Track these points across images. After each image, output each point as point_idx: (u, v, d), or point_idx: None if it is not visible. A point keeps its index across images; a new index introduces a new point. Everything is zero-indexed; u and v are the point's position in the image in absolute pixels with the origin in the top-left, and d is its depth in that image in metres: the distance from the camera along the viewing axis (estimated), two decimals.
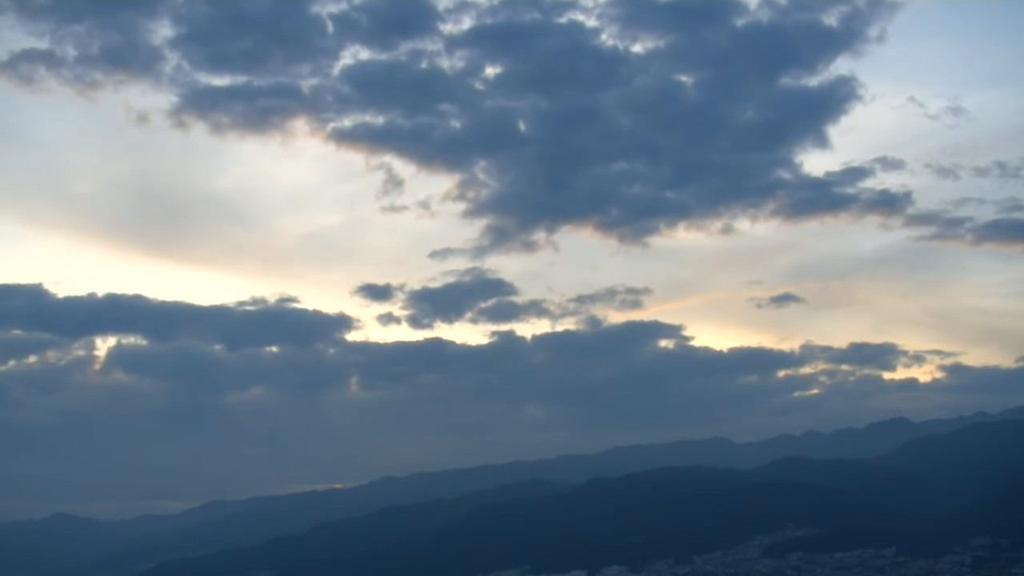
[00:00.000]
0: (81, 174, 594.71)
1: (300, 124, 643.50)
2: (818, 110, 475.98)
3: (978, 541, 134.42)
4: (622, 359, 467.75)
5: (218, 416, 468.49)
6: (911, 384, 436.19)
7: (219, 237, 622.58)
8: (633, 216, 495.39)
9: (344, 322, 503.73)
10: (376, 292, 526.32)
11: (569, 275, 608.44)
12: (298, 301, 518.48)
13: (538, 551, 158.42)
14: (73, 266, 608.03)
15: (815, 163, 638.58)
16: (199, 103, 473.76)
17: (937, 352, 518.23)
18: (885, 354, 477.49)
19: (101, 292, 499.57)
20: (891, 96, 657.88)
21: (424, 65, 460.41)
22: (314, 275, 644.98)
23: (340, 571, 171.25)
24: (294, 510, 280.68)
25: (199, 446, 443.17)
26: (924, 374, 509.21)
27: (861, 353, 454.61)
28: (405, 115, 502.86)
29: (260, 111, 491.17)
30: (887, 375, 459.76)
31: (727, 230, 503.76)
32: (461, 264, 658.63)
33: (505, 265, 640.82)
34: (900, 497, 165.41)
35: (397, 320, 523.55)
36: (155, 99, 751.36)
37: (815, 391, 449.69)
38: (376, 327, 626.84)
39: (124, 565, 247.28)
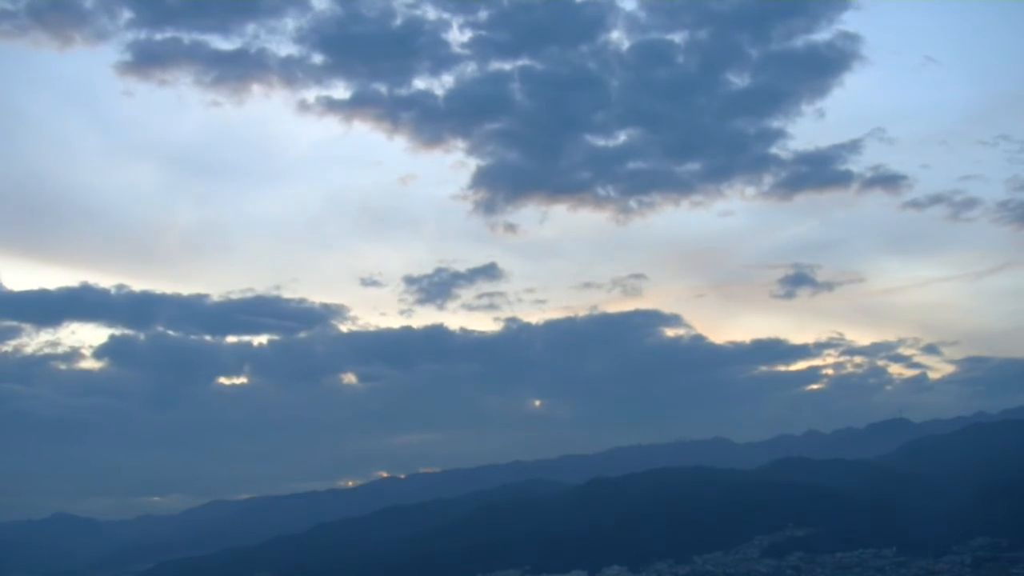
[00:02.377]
0: None
1: (262, 89, 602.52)
2: (818, 73, 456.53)
3: (978, 541, 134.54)
4: (619, 351, 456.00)
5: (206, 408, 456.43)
6: (921, 380, 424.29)
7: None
8: (625, 191, 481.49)
9: (338, 311, 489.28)
10: (368, 280, 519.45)
11: (561, 256, 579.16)
12: (286, 289, 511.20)
13: (538, 551, 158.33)
14: None
15: (815, 133, 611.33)
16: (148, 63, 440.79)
17: (952, 343, 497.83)
18: (894, 346, 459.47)
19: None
20: (903, 56, 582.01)
21: (398, 21, 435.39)
22: (299, 260, 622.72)
23: (340, 571, 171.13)
24: (294, 510, 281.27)
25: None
26: (935, 369, 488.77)
27: (868, 345, 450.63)
28: (379, 80, 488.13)
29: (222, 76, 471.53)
30: (896, 369, 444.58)
31: (724, 211, 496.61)
32: (450, 247, 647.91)
33: (495, 246, 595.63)
34: (900, 497, 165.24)
35: (390, 309, 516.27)
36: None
37: (819, 385, 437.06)
38: (370, 316, 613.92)
39: (124, 565, 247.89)
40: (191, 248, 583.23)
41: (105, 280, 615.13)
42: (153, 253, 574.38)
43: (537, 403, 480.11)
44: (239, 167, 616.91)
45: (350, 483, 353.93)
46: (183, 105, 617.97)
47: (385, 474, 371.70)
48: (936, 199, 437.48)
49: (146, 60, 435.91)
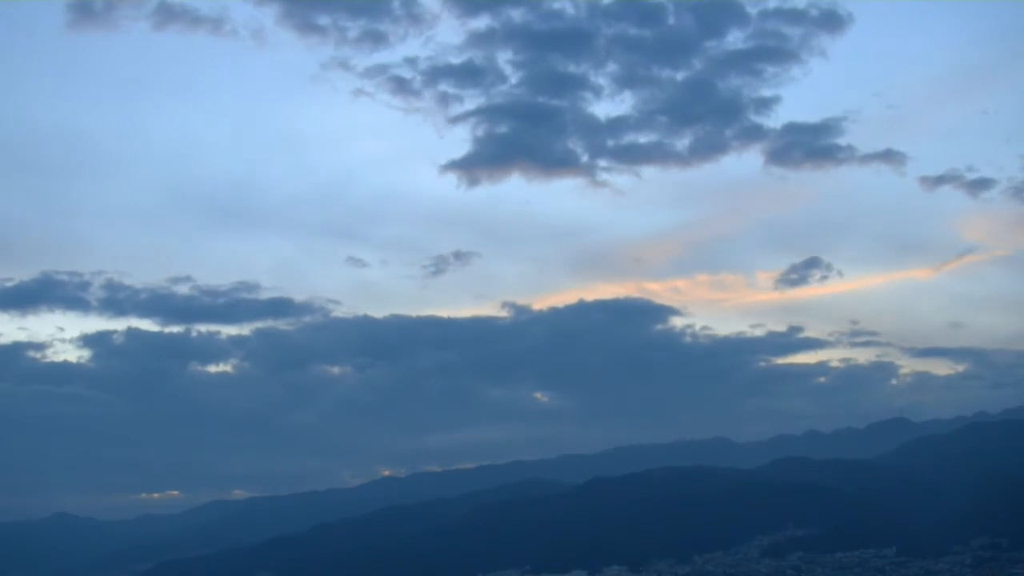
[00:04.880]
0: None
1: None
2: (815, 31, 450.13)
3: (978, 541, 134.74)
4: (615, 345, 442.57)
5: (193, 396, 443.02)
6: (926, 377, 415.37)
7: None
8: (611, 164, 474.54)
9: (327, 301, 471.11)
10: (356, 262, 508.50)
11: (550, 238, 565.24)
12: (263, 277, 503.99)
13: (538, 551, 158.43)
14: None
15: (812, 102, 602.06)
16: None
17: (963, 334, 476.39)
18: (901, 340, 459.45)
19: None
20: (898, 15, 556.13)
21: None
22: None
23: (340, 571, 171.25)
24: (294, 510, 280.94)
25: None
26: (942, 364, 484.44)
27: (873, 338, 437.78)
28: (352, 42, 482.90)
29: None
30: (903, 363, 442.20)
31: (721, 188, 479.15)
32: (435, 226, 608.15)
33: (480, 226, 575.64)
34: (900, 497, 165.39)
35: (380, 295, 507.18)
36: None
37: (823, 379, 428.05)
38: (359, 304, 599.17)
39: (124, 565, 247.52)
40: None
41: None
42: None
43: (539, 395, 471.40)
44: None
45: (350, 483, 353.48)
46: None
47: (385, 474, 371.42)
48: (946, 176, 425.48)
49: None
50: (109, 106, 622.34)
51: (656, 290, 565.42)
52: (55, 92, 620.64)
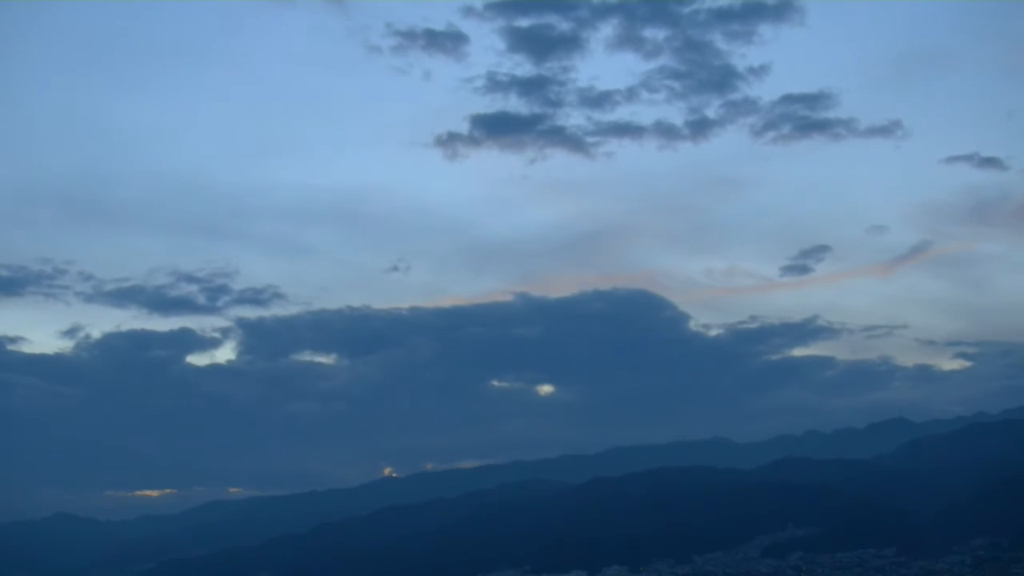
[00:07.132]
0: None
1: None
2: None
3: (978, 541, 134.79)
4: (611, 340, 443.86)
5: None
6: (927, 371, 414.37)
7: None
8: (600, 133, 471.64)
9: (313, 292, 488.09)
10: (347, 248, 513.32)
11: (542, 223, 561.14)
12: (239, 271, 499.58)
13: (538, 551, 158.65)
14: None
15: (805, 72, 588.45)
16: None
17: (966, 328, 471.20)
18: (905, 333, 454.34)
19: None
20: None
21: None
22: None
23: (341, 571, 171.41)
24: (294, 510, 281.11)
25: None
26: (946, 360, 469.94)
27: (875, 333, 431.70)
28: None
29: None
30: (908, 360, 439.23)
31: (717, 163, 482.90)
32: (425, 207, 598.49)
33: (470, 208, 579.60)
34: (900, 497, 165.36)
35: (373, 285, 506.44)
36: None
37: (828, 372, 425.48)
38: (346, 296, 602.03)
39: (124, 565, 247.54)
40: None
41: None
42: None
43: (545, 389, 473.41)
44: None
45: (350, 483, 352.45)
46: None
47: (385, 474, 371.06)
48: (956, 156, 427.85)
49: None
50: None
51: (620, 282, 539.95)
52: None
